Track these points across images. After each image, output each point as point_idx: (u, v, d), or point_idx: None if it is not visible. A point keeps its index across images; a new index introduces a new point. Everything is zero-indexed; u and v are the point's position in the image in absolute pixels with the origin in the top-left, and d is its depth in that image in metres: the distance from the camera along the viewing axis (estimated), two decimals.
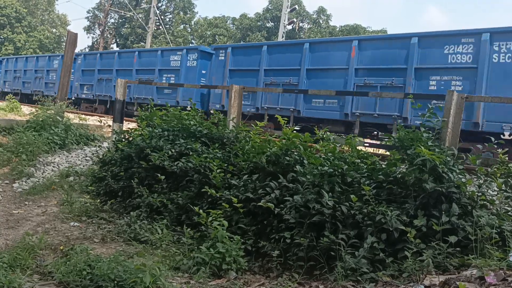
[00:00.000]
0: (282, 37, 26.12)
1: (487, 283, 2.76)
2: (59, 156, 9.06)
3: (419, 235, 3.52)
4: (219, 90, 14.51)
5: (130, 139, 7.09)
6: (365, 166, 4.56)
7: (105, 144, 9.64)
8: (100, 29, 50.67)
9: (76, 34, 13.61)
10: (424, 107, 4.74)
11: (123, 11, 46.43)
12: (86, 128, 10.90)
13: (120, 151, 6.65)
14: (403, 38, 11.25)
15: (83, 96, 22.20)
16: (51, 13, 58.23)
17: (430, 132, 4.48)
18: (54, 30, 57.15)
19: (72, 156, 9.18)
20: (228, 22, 49.26)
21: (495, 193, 4.02)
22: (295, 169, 4.62)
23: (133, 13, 44.13)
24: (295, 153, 4.94)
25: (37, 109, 11.22)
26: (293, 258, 3.92)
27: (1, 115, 13.26)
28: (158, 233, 4.66)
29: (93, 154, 8.89)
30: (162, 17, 47.83)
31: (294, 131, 5.16)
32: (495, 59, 9.64)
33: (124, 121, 9.43)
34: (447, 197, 3.76)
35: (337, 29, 43.65)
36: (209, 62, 16.49)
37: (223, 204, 4.55)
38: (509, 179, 3.97)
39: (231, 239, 4.07)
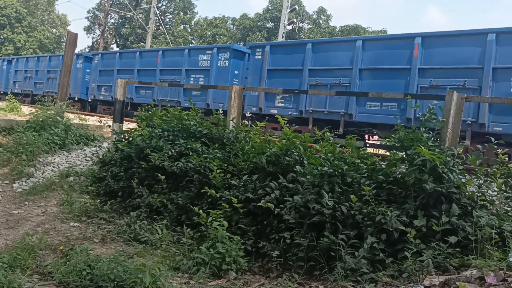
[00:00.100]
0: (282, 37, 26.11)
1: (487, 284, 2.76)
2: (59, 156, 9.06)
3: (419, 236, 3.52)
4: (256, 92, 13.55)
5: (130, 139, 7.09)
6: (365, 167, 4.57)
7: (105, 144, 9.64)
8: (100, 29, 50.67)
9: (76, 34, 13.62)
10: None
11: (123, 11, 46.45)
12: (86, 128, 10.90)
13: (120, 151, 6.65)
14: (478, 34, 9.93)
15: (101, 97, 20.71)
16: (51, 13, 58.24)
17: (430, 132, 4.48)
18: (54, 30, 57.16)
19: (72, 156, 9.18)
20: (228, 22, 49.28)
21: (495, 193, 4.02)
22: (295, 169, 4.62)
23: (133, 13, 44.13)
24: (295, 153, 4.94)
25: (37, 109, 11.22)
26: (293, 259, 3.92)
27: (1, 115, 13.26)
28: (158, 233, 4.66)
29: (93, 154, 8.89)
30: (162, 17, 47.83)
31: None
32: None
33: (123, 121, 9.42)
34: (447, 198, 3.76)
35: (337, 29, 43.66)
36: (241, 61, 15.31)
37: (223, 204, 4.55)
38: (509, 180, 3.97)
39: (231, 240, 4.07)
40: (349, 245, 3.64)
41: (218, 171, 5.02)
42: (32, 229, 5.14)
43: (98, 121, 10.51)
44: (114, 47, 50.74)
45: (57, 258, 4.10)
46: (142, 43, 45.90)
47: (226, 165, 5.23)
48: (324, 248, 3.71)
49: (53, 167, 8.47)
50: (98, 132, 11.24)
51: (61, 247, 4.42)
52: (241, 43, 39.55)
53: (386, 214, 3.65)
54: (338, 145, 4.99)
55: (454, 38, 10.39)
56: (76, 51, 15.73)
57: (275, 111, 12.88)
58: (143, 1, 48.87)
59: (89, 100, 21.66)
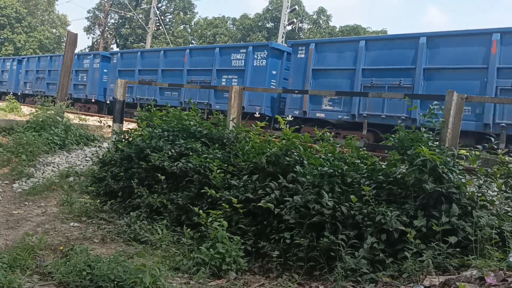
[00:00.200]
0: (282, 37, 26.12)
1: (487, 284, 2.76)
2: (59, 157, 9.06)
3: (419, 236, 3.52)
4: (298, 94, 12.58)
5: (130, 139, 7.09)
6: (365, 167, 4.57)
7: (105, 145, 9.64)
8: (100, 30, 50.68)
9: (76, 35, 13.62)
10: None
11: (123, 12, 46.46)
12: (86, 128, 10.90)
13: (120, 151, 6.65)
14: None
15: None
16: (51, 14, 58.23)
17: (431, 132, 4.48)
18: (54, 30, 57.16)
19: (72, 157, 9.18)
20: (228, 22, 49.29)
21: (495, 193, 4.02)
22: (295, 169, 4.62)
23: (133, 14, 44.14)
24: (295, 153, 4.94)
25: (37, 109, 11.23)
26: (293, 259, 3.92)
27: (1, 116, 13.26)
28: (158, 234, 4.66)
29: (93, 154, 8.89)
30: (162, 17, 47.84)
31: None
32: None
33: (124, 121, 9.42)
34: (447, 198, 3.76)
35: (337, 30, 43.67)
36: (279, 61, 14.12)
37: (223, 204, 4.56)
38: (509, 180, 3.97)
39: (231, 240, 4.07)
40: (349, 245, 3.64)
41: (218, 171, 5.02)
42: (32, 229, 5.14)
43: (98, 121, 10.51)
44: (114, 47, 50.78)
45: (57, 258, 4.10)
46: (142, 43, 45.90)
47: (226, 165, 5.23)
48: (324, 248, 3.71)
49: (53, 167, 8.47)
50: (98, 132, 11.24)
51: (61, 247, 4.42)
52: (241, 43, 39.40)
53: (386, 214, 3.65)
54: (338, 145, 4.99)
55: None
56: (76, 51, 15.72)
57: (322, 115, 12.16)
58: (143, 1, 48.87)
59: (107, 102, 20.48)
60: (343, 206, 3.89)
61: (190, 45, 44.96)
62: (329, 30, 43.73)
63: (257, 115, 13.42)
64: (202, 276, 3.71)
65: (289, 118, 12.33)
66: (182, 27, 50.97)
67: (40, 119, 9.89)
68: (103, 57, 21.58)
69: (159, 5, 47.89)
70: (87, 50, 50.09)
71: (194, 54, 16.61)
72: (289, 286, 3.55)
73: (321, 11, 45.11)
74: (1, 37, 52.37)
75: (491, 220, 3.54)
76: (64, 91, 12.78)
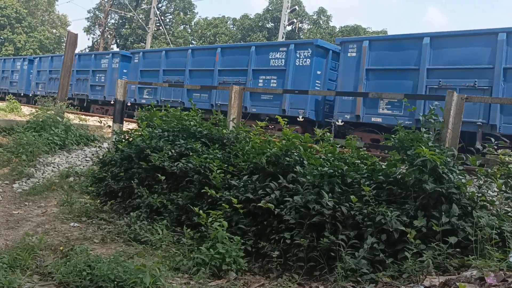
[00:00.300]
0: (282, 37, 26.13)
1: (487, 284, 2.76)
2: (59, 157, 9.06)
3: (419, 236, 3.52)
4: (349, 97, 11.50)
5: (130, 139, 7.09)
6: (365, 167, 4.57)
7: (105, 145, 9.64)
8: (101, 30, 50.70)
9: (76, 35, 13.63)
10: None
11: (123, 12, 46.47)
12: (86, 128, 10.91)
13: (120, 151, 6.65)
14: None
15: (143, 101, 17.68)
16: (51, 14, 58.25)
17: (430, 132, 4.48)
18: (54, 30, 57.17)
19: (72, 157, 9.19)
20: (228, 22, 49.31)
21: (495, 194, 4.02)
22: (295, 169, 4.62)
23: (134, 14, 44.15)
24: (295, 153, 4.94)
25: (37, 109, 11.23)
26: (293, 259, 3.92)
27: (1, 116, 13.26)
28: (158, 234, 4.66)
29: (93, 154, 8.89)
30: (162, 17, 47.85)
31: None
32: None
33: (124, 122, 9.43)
34: (447, 198, 3.76)
35: (337, 30, 43.68)
36: (324, 60, 12.88)
37: (223, 204, 4.56)
38: (509, 180, 3.97)
39: (231, 240, 4.07)
40: (349, 246, 3.64)
41: (218, 171, 5.02)
42: (32, 230, 5.14)
43: (98, 122, 10.52)
44: (114, 48, 50.79)
45: (57, 259, 4.10)
46: (142, 44, 45.92)
47: (226, 165, 5.23)
48: (324, 248, 3.71)
49: (53, 167, 8.47)
50: (98, 133, 11.25)
51: (61, 248, 4.42)
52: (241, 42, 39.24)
53: (386, 215, 3.65)
54: (338, 146, 4.99)
55: None
56: (76, 51, 15.72)
57: (378, 120, 11.02)
58: (143, 2, 48.89)
59: (128, 104, 18.77)
60: (343, 206, 3.89)
61: (192, 44, 44.97)
62: (329, 30, 43.75)
63: (300, 119, 12.52)
64: (202, 276, 3.71)
65: (339, 123, 11.50)
66: (182, 27, 50.99)
67: (40, 119, 9.90)
68: (122, 56, 20.34)
69: (159, 5, 47.92)
70: (87, 51, 50.09)
71: (226, 53, 15.28)
72: (289, 286, 3.55)
73: (321, 11, 45.16)
74: (1, 37, 52.39)
75: (491, 221, 3.55)
76: (64, 91, 12.80)
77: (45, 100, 11.83)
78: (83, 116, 14.51)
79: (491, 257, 3.19)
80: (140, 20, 43.64)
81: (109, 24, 52.00)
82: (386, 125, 10.96)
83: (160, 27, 41.45)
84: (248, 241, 4.29)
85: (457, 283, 2.78)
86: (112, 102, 19.19)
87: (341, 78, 12.00)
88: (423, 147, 3.93)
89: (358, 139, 5.19)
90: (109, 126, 8.96)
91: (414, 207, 3.78)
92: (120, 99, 8.99)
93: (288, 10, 27.18)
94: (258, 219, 4.46)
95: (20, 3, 52.25)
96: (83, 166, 8.56)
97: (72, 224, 5.44)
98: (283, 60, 13.33)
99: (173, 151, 5.86)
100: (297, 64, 13.01)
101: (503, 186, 3.91)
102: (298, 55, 13.00)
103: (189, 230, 4.59)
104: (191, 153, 5.74)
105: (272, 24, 44.63)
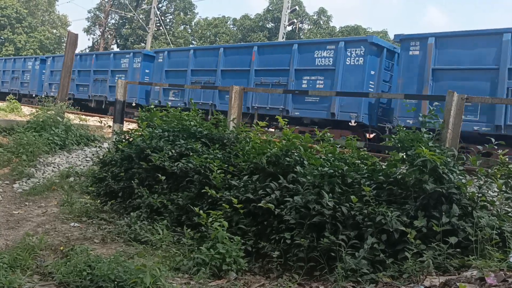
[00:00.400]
0: (283, 38, 26.15)
1: (487, 284, 2.76)
2: (59, 157, 9.06)
3: (419, 236, 3.52)
4: (412, 100, 10.01)
5: (131, 139, 7.09)
6: (365, 167, 4.57)
7: (106, 145, 9.65)
8: (101, 30, 50.72)
9: (76, 35, 13.65)
10: None
11: (123, 12, 46.48)
12: (86, 128, 10.91)
13: (121, 151, 6.66)
14: None
15: (169, 103, 15.82)
16: (51, 14, 58.26)
17: (431, 133, 4.48)
18: (54, 30, 57.17)
19: (72, 157, 9.19)
20: (229, 22, 49.32)
21: (496, 194, 4.02)
22: (295, 169, 4.62)
23: (134, 14, 44.16)
24: (295, 154, 4.94)
25: (37, 109, 11.24)
26: (293, 259, 3.92)
27: (2, 116, 13.27)
28: (159, 234, 4.66)
29: (93, 154, 8.90)
30: (163, 18, 47.87)
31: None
32: None
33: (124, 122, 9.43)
34: (448, 198, 3.76)
35: (337, 30, 43.68)
36: (378, 59, 11.83)
37: (223, 204, 4.56)
38: (509, 180, 3.97)
39: (231, 240, 4.07)
40: (349, 246, 3.64)
41: (218, 171, 5.02)
42: (32, 230, 5.14)
43: (99, 122, 10.52)
44: (115, 48, 50.81)
45: (58, 259, 4.10)
46: (142, 44, 45.94)
47: (226, 165, 5.23)
48: (324, 248, 3.71)
49: (54, 167, 8.47)
50: (99, 133, 11.25)
51: (62, 248, 4.43)
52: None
53: (387, 215, 3.65)
54: (338, 146, 4.99)
55: None
56: (76, 51, 15.71)
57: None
58: (144, 2, 48.90)
59: (152, 106, 18.68)
60: (344, 206, 3.89)
61: (193, 45, 44.95)
62: (329, 30, 43.74)
63: (352, 123, 11.56)
64: (203, 276, 3.71)
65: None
66: (182, 27, 51.00)
67: (41, 119, 9.90)
68: (145, 56, 19.23)
69: (160, 5, 47.93)
70: (87, 51, 50.09)
71: (263, 51, 14.16)
72: (290, 287, 3.55)
73: (322, 12, 45.16)
74: (1, 37, 52.40)
75: (492, 221, 3.54)
76: (65, 91, 12.81)
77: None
78: (83, 116, 14.51)
79: (492, 257, 3.19)
80: (140, 20, 43.64)
81: (109, 24, 52.04)
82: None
83: (161, 27, 41.49)
84: (248, 241, 4.29)
85: (458, 283, 2.78)
86: (133, 104, 18.39)
87: (402, 79, 10.91)
88: (423, 148, 3.93)
89: None
90: (109, 126, 8.97)
91: (414, 207, 3.78)
92: (120, 99, 8.99)
93: (289, 11, 27.20)
94: (258, 219, 4.46)
95: (21, 3, 52.26)
96: (83, 166, 8.56)
97: (72, 224, 5.44)
98: (330, 59, 12.23)
99: (173, 151, 5.86)
100: (347, 63, 11.95)
101: (503, 186, 3.91)
102: (348, 54, 11.94)
103: (189, 230, 4.59)
104: (191, 153, 5.74)
105: (273, 24, 44.64)
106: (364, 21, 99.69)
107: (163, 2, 51.16)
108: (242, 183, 4.84)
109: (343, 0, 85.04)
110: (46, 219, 5.69)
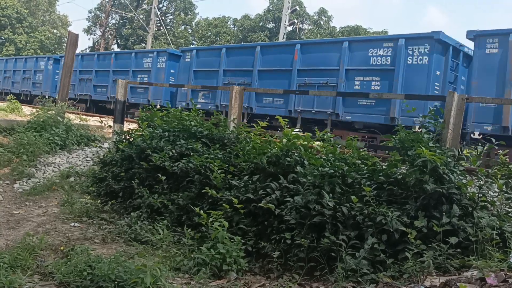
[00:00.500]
0: (283, 38, 26.15)
1: (487, 285, 2.76)
2: (59, 157, 9.06)
3: (420, 236, 3.52)
4: (491, 103, 9.06)
5: (131, 139, 7.10)
6: (365, 167, 4.56)
7: (106, 145, 9.65)
8: (101, 30, 50.73)
9: (77, 35, 13.64)
10: None
11: (124, 12, 46.49)
12: (87, 128, 10.91)
13: (121, 151, 6.66)
14: None
15: (198, 106, 15.09)
16: (52, 14, 58.28)
17: (431, 133, 4.48)
18: (55, 30, 57.20)
19: (72, 157, 9.19)
20: (229, 22, 49.33)
21: (496, 194, 4.02)
22: (295, 170, 4.62)
23: (134, 14, 44.17)
24: (295, 154, 4.94)
25: (37, 109, 11.24)
26: (293, 259, 3.92)
27: (2, 116, 13.27)
28: (159, 234, 4.66)
29: (93, 154, 8.90)
30: (163, 18, 47.88)
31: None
32: None
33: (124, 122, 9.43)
34: (448, 198, 3.76)
35: (337, 30, 43.68)
36: (443, 57, 10.75)
37: (223, 204, 4.56)
38: (509, 180, 3.97)
39: (232, 240, 4.07)
40: (349, 246, 3.64)
41: (218, 171, 5.02)
42: (32, 230, 5.14)
43: (99, 122, 10.52)
44: (115, 48, 50.82)
45: (58, 259, 4.10)
46: (143, 44, 45.95)
47: (226, 165, 5.23)
48: (324, 248, 3.71)
49: (54, 167, 8.47)
50: (99, 133, 11.25)
51: (62, 248, 4.43)
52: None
53: (387, 215, 3.65)
54: (338, 146, 4.99)
55: None
56: (77, 51, 15.70)
57: None
58: (144, 2, 48.91)
59: (179, 108, 17.27)
60: (344, 206, 3.89)
61: (193, 45, 44.93)
62: (329, 30, 43.74)
63: (416, 129, 10.18)
64: (203, 276, 3.71)
65: (475, 135, 9.42)
66: (183, 27, 51.00)
67: (41, 119, 9.90)
68: (170, 55, 18.02)
69: (160, 5, 47.95)
70: (87, 51, 50.09)
71: (307, 50, 12.98)
72: (290, 287, 3.55)
73: (322, 12, 45.15)
74: (2, 37, 52.41)
75: (492, 221, 3.54)
76: (65, 91, 12.80)
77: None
78: (84, 116, 14.51)
79: (492, 257, 3.19)
80: (141, 21, 43.66)
81: (110, 25, 52.06)
82: None
83: (161, 28, 41.50)
84: (249, 241, 4.29)
85: (458, 284, 2.78)
86: (158, 106, 17.05)
87: (477, 79, 9.81)
88: (424, 148, 3.93)
89: None
90: (110, 126, 8.97)
91: (414, 207, 3.77)
92: (120, 99, 8.99)
93: (289, 11, 27.19)
94: (259, 219, 4.46)
95: (21, 3, 52.27)
96: (84, 166, 8.57)
97: (72, 224, 5.44)
98: (388, 58, 11.11)
99: (173, 151, 5.86)
100: (409, 62, 10.82)
101: (504, 186, 3.91)
102: (410, 52, 10.82)
103: (189, 230, 4.59)
104: (191, 153, 5.74)
105: (273, 25, 44.64)
106: (364, 21, 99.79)
107: (163, 2, 51.18)
108: (243, 183, 4.84)
109: (343, 0, 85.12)
110: (46, 219, 5.69)
